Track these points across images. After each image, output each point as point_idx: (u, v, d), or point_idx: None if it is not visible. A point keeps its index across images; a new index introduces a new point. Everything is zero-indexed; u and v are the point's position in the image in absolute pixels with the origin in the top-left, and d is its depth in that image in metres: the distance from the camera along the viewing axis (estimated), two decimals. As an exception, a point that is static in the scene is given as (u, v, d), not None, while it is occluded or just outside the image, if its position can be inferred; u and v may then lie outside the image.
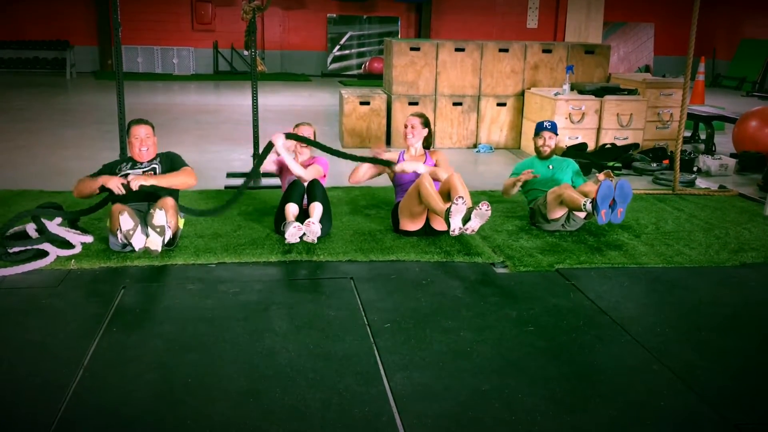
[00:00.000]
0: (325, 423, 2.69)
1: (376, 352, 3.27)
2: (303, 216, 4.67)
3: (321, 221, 4.64)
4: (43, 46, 15.92)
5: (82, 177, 4.64)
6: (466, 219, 4.39)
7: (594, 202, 4.61)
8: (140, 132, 4.64)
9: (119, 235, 4.17)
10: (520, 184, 5.22)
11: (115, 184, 4.40)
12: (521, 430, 2.68)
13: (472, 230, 4.40)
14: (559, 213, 4.98)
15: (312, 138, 5.13)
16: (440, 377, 3.05)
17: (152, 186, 4.45)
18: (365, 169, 5.20)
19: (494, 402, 2.87)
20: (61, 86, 14.20)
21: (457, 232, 4.41)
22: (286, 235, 4.43)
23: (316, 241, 4.50)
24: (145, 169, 4.66)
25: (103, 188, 4.48)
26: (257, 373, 3.04)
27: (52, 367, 3.06)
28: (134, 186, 4.37)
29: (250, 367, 3.09)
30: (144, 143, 4.64)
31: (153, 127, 4.75)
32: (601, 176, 4.94)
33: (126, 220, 4.09)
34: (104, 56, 16.64)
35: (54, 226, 4.40)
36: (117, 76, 5.87)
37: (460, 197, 4.38)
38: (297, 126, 5.24)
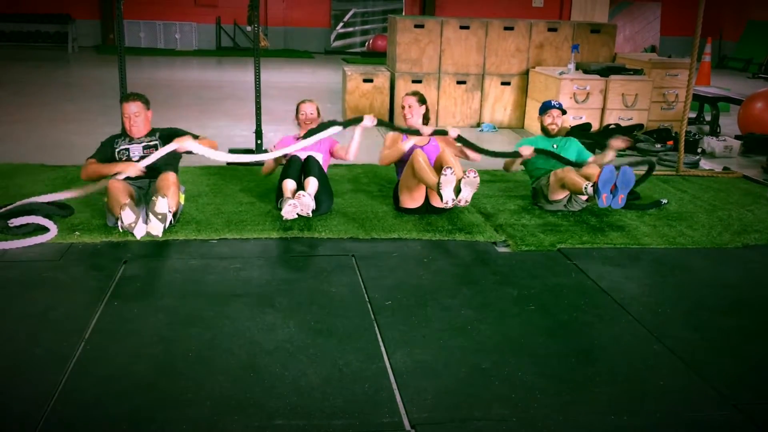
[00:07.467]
0: (326, 398, 2.69)
1: (376, 328, 3.27)
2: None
3: (321, 198, 4.65)
4: (44, 20, 15.79)
5: (90, 159, 4.61)
6: (458, 190, 4.43)
7: (595, 186, 4.59)
8: (130, 109, 4.65)
9: (120, 225, 4.18)
10: (520, 162, 5.22)
11: (134, 171, 4.42)
12: (520, 407, 2.69)
13: (466, 201, 4.45)
14: (561, 195, 4.97)
15: (316, 113, 5.18)
16: (440, 354, 3.06)
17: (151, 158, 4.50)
18: (398, 151, 4.99)
19: (494, 379, 2.88)
20: (62, 60, 14.12)
21: (450, 204, 4.46)
22: (282, 212, 4.44)
23: (310, 214, 4.49)
24: (144, 144, 4.65)
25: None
26: (258, 348, 3.05)
27: (54, 338, 3.07)
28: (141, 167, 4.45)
29: (250, 343, 3.09)
30: (134, 120, 4.65)
31: (145, 101, 4.74)
32: (616, 143, 5.06)
33: (128, 215, 4.10)
34: (106, 31, 16.54)
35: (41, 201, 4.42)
36: (118, 51, 5.86)
37: (448, 168, 4.42)
38: (301, 102, 5.23)
